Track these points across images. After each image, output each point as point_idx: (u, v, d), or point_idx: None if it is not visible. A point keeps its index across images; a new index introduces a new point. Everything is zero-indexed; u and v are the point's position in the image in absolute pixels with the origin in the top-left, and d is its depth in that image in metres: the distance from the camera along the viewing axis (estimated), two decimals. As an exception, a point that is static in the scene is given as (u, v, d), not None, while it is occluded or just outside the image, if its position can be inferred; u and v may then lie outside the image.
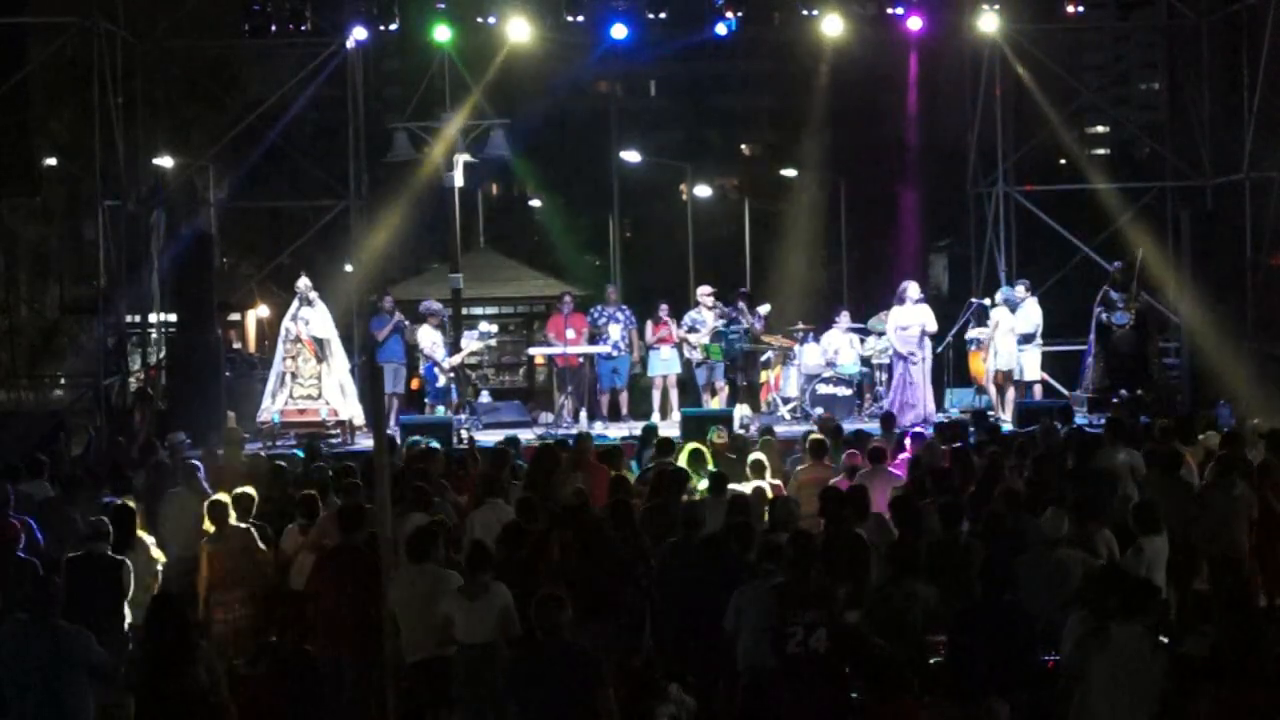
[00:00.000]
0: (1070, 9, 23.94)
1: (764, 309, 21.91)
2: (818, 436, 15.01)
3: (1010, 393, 20.59)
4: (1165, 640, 8.72)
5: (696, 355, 21.29)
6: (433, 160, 21.55)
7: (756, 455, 13.96)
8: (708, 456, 13.95)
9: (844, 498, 11.62)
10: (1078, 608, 8.68)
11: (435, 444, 15.39)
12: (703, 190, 43.34)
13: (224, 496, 12.10)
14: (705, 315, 21.25)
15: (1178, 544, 11.74)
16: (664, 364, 21.69)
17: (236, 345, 30.71)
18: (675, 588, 10.56)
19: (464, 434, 18.91)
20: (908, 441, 15.22)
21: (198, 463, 13.91)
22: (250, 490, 12.62)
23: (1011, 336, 20.60)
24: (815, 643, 9.01)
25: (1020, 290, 21.19)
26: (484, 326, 21.80)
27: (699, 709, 9.78)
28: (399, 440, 16.61)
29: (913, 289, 20.50)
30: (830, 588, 9.35)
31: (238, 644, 10.98)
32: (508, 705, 8.44)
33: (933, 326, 20.37)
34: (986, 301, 21.61)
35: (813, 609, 9.08)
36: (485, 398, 22.20)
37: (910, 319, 20.20)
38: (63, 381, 28.52)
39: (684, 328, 21.38)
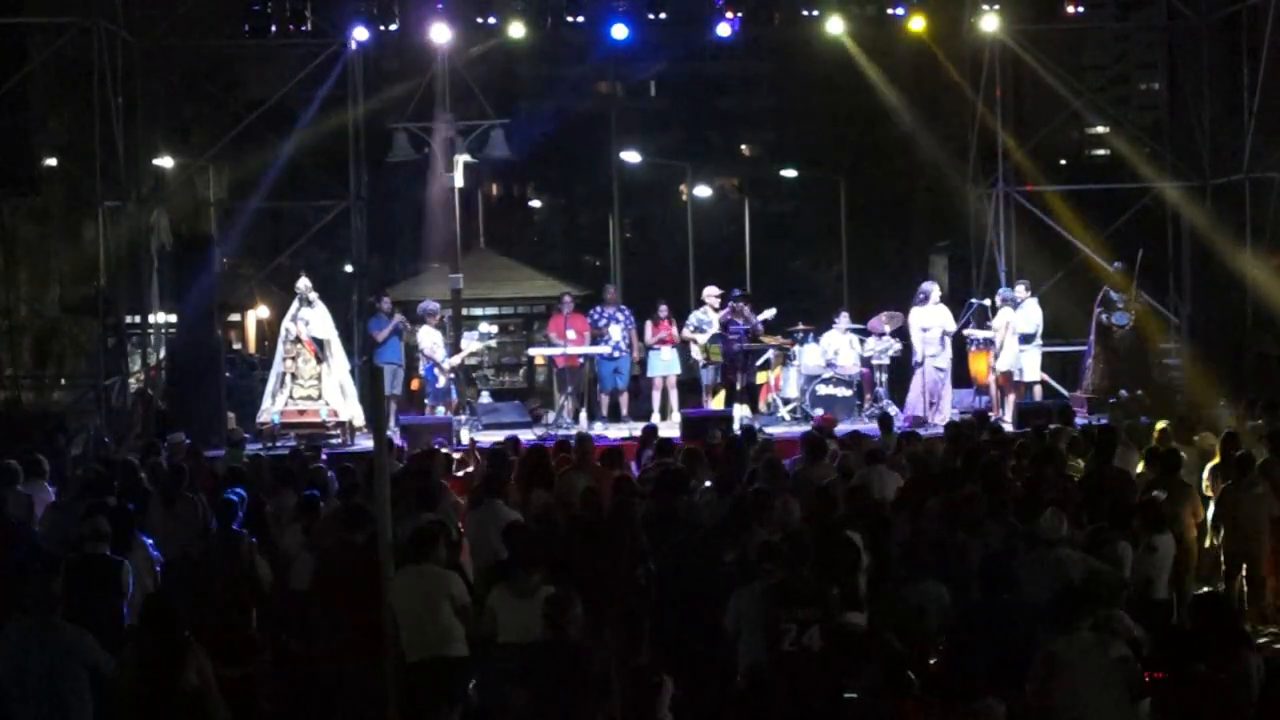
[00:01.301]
0: (1070, 9, 23.96)
1: (769, 314, 21.63)
2: (817, 437, 15.02)
3: (1010, 393, 20.59)
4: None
5: (701, 356, 21.31)
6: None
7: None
8: None
9: (836, 499, 11.63)
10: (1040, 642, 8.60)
11: None
12: (703, 190, 43.30)
13: (231, 498, 12.13)
14: (711, 316, 21.24)
15: (1182, 545, 11.76)
16: (664, 365, 21.68)
17: (236, 345, 30.70)
18: (675, 588, 10.57)
19: (464, 434, 18.92)
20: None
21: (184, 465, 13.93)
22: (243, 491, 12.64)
23: (1014, 337, 20.63)
24: (809, 641, 9.03)
25: (1020, 290, 21.20)
26: (484, 327, 21.80)
27: (699, 709, 9.78)
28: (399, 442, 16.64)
29: (935, 290, 20.66)
30: (825, 586, 9.36)
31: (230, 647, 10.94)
32: (515, 700, 8.42)
33: (951, 327, 20.52)
34: (987, 301, 21.61)
35: (807, 607, 9.09)
36: (485, 398, 22.20)
37: (932, 320, 20.34)
38: (63, 381, 28.51)
39: (689, 328, 21.36)
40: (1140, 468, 13.68)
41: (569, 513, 12.33)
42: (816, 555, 9.83)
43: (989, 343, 20.80)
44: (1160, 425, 15.22)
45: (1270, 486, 12.77)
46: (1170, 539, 11.20)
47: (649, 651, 10.62)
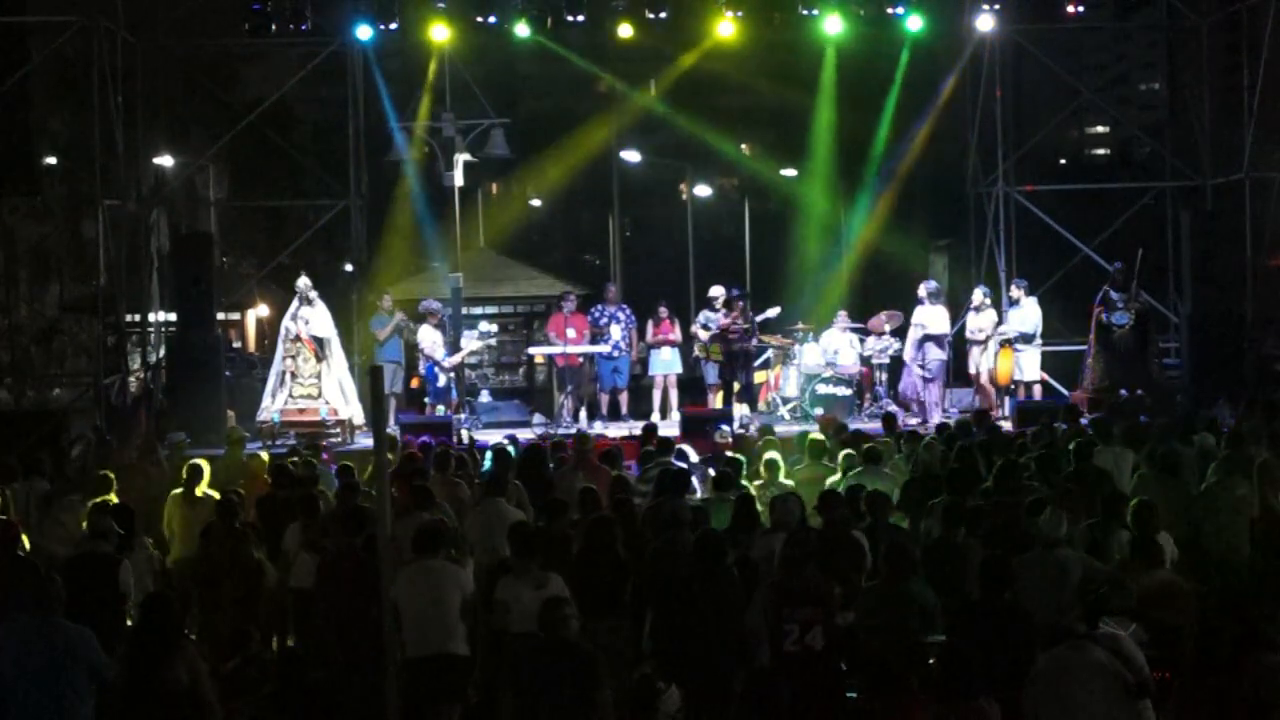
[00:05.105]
0: (1070, 9, 23.86)
1: (772, 312, 21.58)
2: (817, 437, 15.03)
3: (984, 394, 20.78)
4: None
5: (701, 354, 21.35)
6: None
7: (772, 455, 13.89)
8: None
9: (843, 498, 11.63)
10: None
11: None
12: (703, 190, 43.27)
13: (234, 496, 12.16)
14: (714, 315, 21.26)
15: (1181, 544, 11.75)
16: (664, 364, 21.70)
17: (236, 345, 30.72)
18: (674, 588, 10.55)
19: (464, 434, 18.93)
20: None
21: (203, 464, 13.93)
22: (241, 490, 12.66)
23: (981, 336, 20.87)
24: (811, 640, 9.01)
25: (1015, 290, 21.31)
26: (484, 326, 21.81)
27: (699, 709, 9.77)
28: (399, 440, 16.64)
29: (924, 290, 20.78)
30: (827, 586, 9.34)
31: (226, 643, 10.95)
32: (508, 693, 8.46)
33: (936, 329, 20.62)
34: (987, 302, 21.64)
35: (808, 607, 9.08)
36: (485, 397, 22.21)
37: (918, 320, 20.54)
38: (63, 380, 28.51)
39: (698, 324, 21.33)
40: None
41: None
42: (821, 554, 9.82)
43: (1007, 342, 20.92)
44: (1159, 425, 15.22)
45: (1252, 487, 12.76)
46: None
47: (650, 657, 10.60)
